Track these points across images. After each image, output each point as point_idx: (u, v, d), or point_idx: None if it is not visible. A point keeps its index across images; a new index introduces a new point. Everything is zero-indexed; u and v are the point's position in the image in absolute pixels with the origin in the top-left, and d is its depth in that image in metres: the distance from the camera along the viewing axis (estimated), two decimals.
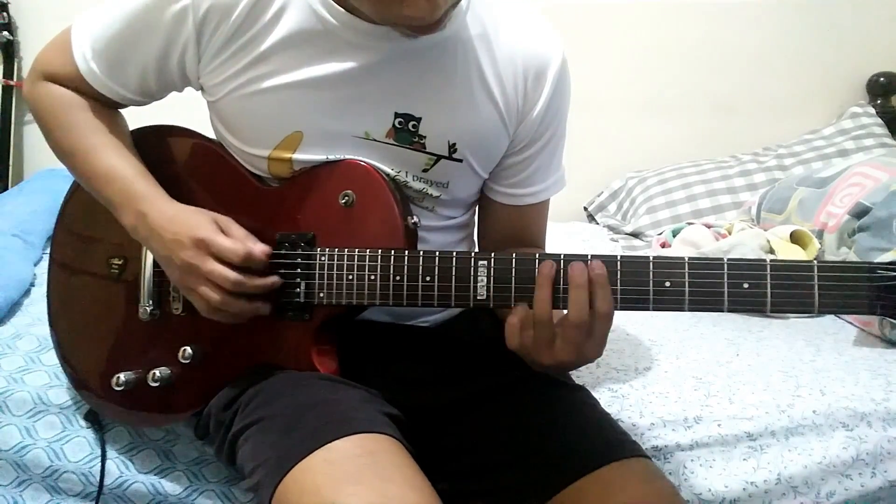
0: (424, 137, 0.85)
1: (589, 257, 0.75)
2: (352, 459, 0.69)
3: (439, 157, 0.86)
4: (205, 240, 0.79)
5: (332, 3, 0.79)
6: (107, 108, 0.90)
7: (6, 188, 1.98)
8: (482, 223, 1.01)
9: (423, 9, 0.68)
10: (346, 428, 0.72)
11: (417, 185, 0.88)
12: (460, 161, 0.87)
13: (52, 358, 1.00)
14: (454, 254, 0.79)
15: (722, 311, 0.72)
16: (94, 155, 0.86)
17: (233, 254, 0.78)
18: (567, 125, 0.94)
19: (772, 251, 1.44)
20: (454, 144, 0.86)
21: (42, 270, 1.33)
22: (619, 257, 0.74)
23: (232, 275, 0.78)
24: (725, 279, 0.71)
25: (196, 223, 0.80)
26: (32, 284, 1.35)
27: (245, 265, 0.79)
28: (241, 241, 0.80)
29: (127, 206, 0.84)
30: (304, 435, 0.72)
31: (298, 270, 0.83)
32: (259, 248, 0.80)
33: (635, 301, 0.74)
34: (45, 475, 0.95)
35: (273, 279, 0.82)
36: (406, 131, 0.84)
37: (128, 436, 0.97)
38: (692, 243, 1.57)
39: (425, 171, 0.87)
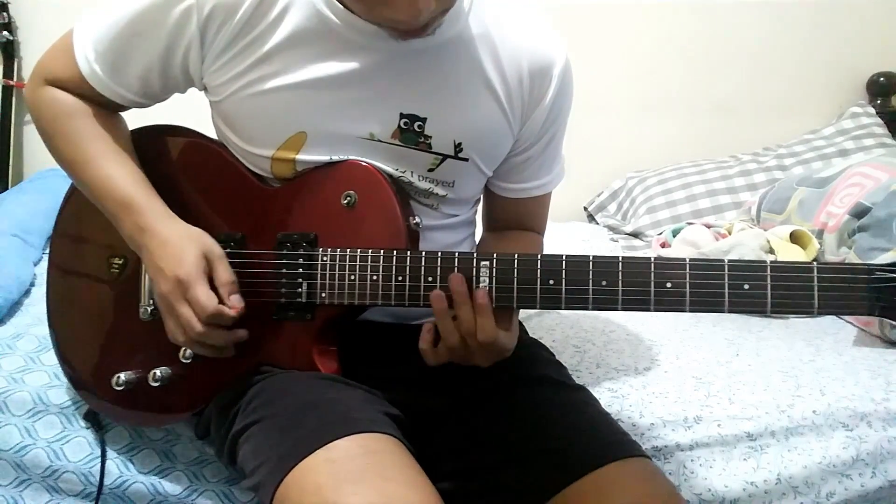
0: (430, 137, 0.85)
1: (591, 258, 0.75)
2: (353, 459, 0.69)
3: (445, 157, 0.87)
4: (184, 282, 0.78)
5: (335, 2, 0.79)
6: (108, 113, 0.89)
7: (6, 188, 1.97)
8: (485, 209, 1.02)
9: (404, 12, 0.68)
10: (348, 428, 0.72)
11: (423, 185, 0.88)
12: (466, 160, 0.88)
13: (52, 358, 1.00)
14: (456, 254, 0.79)
15: (723, 311, 0.72)
16: (94, 164, 0.85)
17: (201, 310, 0.78)
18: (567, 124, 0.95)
19: (772, 251, 1.44)
20: (460, 144, 0.86)
21: (42, 270, 1.33)
22: (620, 258, 0.75)
23: (198, 327, 0.78)
24: (726, 280, 0.72)
25: (183, 257, 0.79)
26: (32, 284, 1.35)
27: (212, 322, 0.79)
28: (217, 294, 0.79)
29: (125, 218, 0.83)
30: (305, 434, 0.72)
31: (300, 270, 0.83)
32: (232, 303, 0.80)
33: (636, 301, 0.74)
34: (45, 475, 0.95)
35: (239, 334, 0.82)
36: (412, 132, 0.84)
37: (128, 436, 0.97)
38: (692, 243, 1.57)
39: (431, 170, 0.87)
